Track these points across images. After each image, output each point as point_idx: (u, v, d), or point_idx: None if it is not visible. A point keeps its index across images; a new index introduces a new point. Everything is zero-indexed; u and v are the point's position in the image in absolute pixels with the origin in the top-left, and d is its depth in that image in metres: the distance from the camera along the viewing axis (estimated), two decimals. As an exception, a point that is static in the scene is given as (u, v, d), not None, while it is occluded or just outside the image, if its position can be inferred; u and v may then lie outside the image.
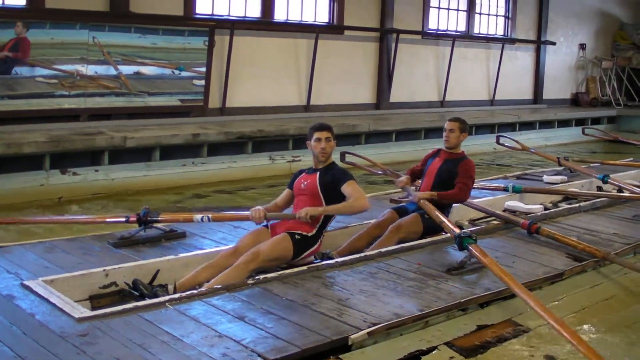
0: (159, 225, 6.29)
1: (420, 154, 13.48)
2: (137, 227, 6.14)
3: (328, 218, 5.79)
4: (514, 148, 11.63)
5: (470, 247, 5.53)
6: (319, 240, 5.77)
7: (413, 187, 7.14)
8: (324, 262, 5.67)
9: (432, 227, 6.43)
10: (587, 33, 21.25)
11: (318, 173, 5.85)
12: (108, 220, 6.48)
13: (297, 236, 5.59)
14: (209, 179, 11.09)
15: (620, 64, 21.79)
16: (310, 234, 5.66)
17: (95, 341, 4.04)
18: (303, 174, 5.98)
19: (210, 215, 5.95)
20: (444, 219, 6.18)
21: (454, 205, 7.62)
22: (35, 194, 9.56)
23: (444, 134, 7.01)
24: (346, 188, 5.70)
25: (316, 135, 5.87)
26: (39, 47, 10.52)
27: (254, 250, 5.42)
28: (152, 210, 6.18)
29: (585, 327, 4.96)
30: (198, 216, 5.93)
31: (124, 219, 6.16)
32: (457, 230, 5.83)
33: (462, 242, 5.60)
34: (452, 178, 6.73)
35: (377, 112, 15.30)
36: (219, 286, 5.01)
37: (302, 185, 5.86)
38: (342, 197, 5.73)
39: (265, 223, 5.72)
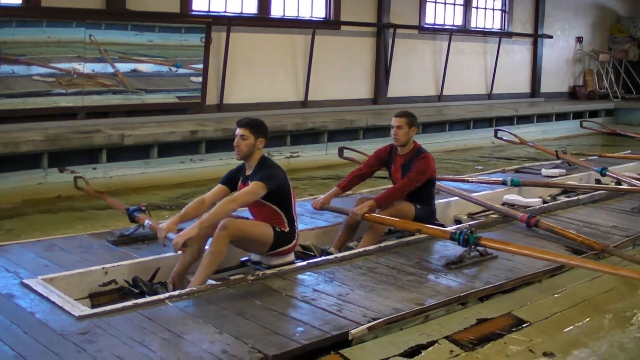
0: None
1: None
2: (135, 225, 6.14)
3: (290, 211, 5.48)
4: (512, 142, 11.63)
5: (481, 242, 5.55)
6: (295, 238, 5.53)
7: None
8: (323, 258, 5.68)
9: (423, 218, 6.39)
10: (584, 26, 21.25)
11: (249, 177, 5.44)
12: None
13: (277, 228, 5.38)
14: (207, 176, 11.05)
15: (617, 56, 21.79)
16: (286, 230, 5.43)
17: (95, 339, 4.04)
18: (240, 180, 5.53)
19: (150, 223, 5.81)
20: (402, 224, 6.14)
21: (451, 199, 7.64)
22: (34, 193, 9.56)
23: (392, 131, 6.56)
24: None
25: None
26: (36, 45, 10.50)
27: (234, 219, 5.26)
28: (149, 207, 6.21)
29: (585, 318, 4.97)
30: (147, 221, 5.86)
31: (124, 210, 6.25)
32: (449, 230, 5.86)
33: (468, 239, 5.59)
34: None
35: (375, 107, 15.30)
36: (218, 282, 5.01)
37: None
38: (281, 194, 5.41)
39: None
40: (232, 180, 5.58)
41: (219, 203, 5.23)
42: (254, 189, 5.25)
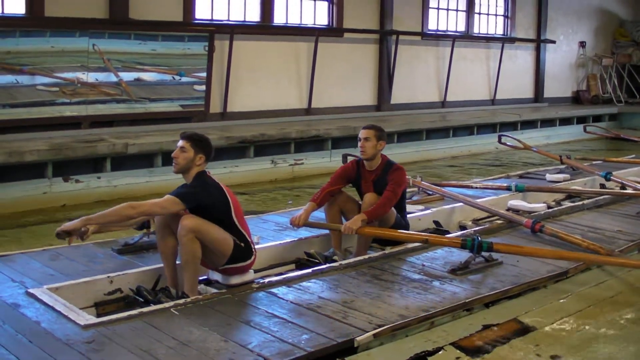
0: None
1: (422, 154, 13.45)
2: (139, 233, 6.15)
3: (236, 229, 5.18)
4: (516, 147, 11.63)
5: (495, 247, 5.55)
6: (253, 255, 5.24)
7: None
8: (328, 265, 5.68)
9: (399, 226, 6.29)
10: (586, 31, 21.26)
11: None
12: None
13: (236, 240, 5.13)
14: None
15: (620, 61, 21.78)
16: (242, 246, 5.16)
17: (101, 348, 4.04)
18: None
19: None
20: (404, 235, 6.14)
21: (456, 205, 7.64)
22: (38, 202, 9.57)
23: (359, 143, 6.29)
24: None
25: None
26: (40, 55, 10.53)
27: (195, 217, 5.05)
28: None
29: (591, 324, 4.95)
30: None
31: None
32: (458, 238, 5.85)
33: (481, 246, 5.59)
34: None
35: (379, 114, 15.31)
36: (222, 291, 5.01)
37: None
38: (215, 212, 5.12)
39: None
40: None
41: (120, 205, 4.96)
42: (163, 202, 5.03)
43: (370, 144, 6.25)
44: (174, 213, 5.07)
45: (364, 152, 6.28)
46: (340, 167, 6.64)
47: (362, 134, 6.30)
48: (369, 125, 6.43)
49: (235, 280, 5.20)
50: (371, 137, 6.25)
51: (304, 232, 6.63)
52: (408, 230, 6.40)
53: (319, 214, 6.45)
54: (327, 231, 6.59)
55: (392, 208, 6.21)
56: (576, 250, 6.14)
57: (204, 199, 5.09)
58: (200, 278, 5.33)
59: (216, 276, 5.33)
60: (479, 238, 5.69)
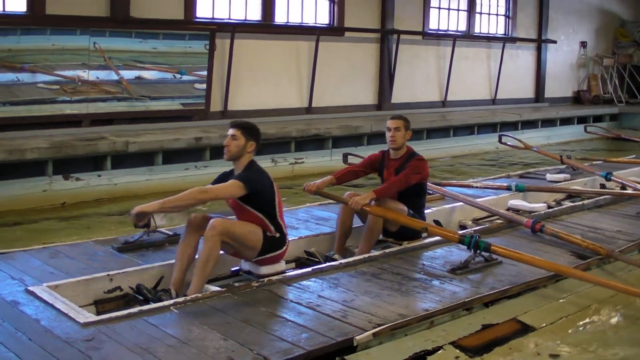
0: (162, 229, 6.28)
1: (423, 154, 13.44)
2: (140, 231, 6.14)
3: (276, 219, 5.39)
4: (517, 147, 11.62)
5: (491, 249, 5.56)
6: (285, 245, 5.46)
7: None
8: (328, 264, 5.68)
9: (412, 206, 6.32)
10: (587, 31, 21.25)
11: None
12: None
13: (267, 233, 5.33)
14: (213, 180, 11.07)
15: (621, 61, 21.78)
16: (276, 236, 5.38)
17: (100, 346, 4.04)
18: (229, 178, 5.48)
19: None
20: (405, 219, 6.12)
21: (456, 204, 7.64)
22: (39, 200, 9.58)
23: (388, 134, 6.47)
24: None
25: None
26: (40, 53, 10.53)
27: (224, 218, 5.22)
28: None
29: (591, 323, 4.96)
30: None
31: None
32: (457, 232, 5.85)
33: (478, 245, 5.60)
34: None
35: (379, 113, 15.29)
36: (223, 289, 5.01)
37: (227, 202, 5.51)
38: (264, 202, 5.36)
39: None
40: (221, 182, 5.50)
41: (191, 189, 5.16)
42: (230, 186, 5.22)
43: (400, 134, 6.46)
44: (235, 197, 5.26)
45: (395, 142, 6.47)
46: (370, 155, 6.86)
47: (391, 124, 6.49)
48: (397, 115, 6.67)
49: (267, 270, 5.39)
50: (401, 127, 6.48)
51: (305, 231, 6.65)
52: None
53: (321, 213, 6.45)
54: (328, 230, 6.66)
55: (404, 206, 6.23)
56: (576, 251, 6.15)
57: (261, 184, 5.33)
58: (233, 269, 5.61)
59: (248, 266, 5.50)
60: (478, 237, 5.68)
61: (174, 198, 5.10)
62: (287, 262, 5.97)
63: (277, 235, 5.38)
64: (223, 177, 5.58)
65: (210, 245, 5.07)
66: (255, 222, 5.33)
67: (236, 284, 5.26)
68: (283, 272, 5.47)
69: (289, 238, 5.61)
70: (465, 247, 5.72)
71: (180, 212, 5.47)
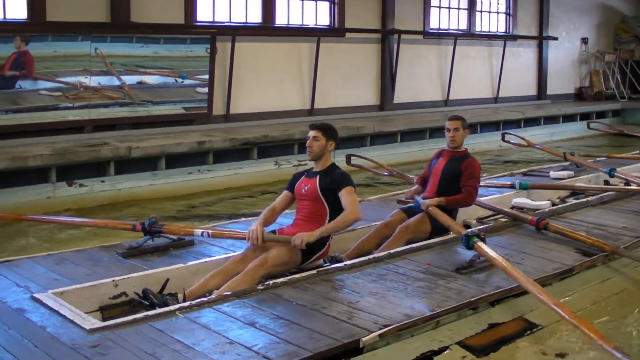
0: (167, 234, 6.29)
1: (426, 154, 13.48)
2: (144, 236, 6.15)
3: (336, 214, 5.70)
4: (520, 145, 11.62)
5: (475, 245, 5.55)
6: (327, 243, 5.73)
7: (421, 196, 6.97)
8: (333, 266, 5.67)
9: (439, 227, 6.41)
10: (588, 27, 21.23)
11: (318, 176, 5.78)
12: (116, 225, 6.76)
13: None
14: (216, 186, 11.09)
15: (623, 56, 21.76)
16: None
17: (106, 352, 4.04)
18: (303, 177, 5.92)
19: (210, 232, 6.10)
20: (451, 223, 6.25)
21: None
22: (43, 207, 9.58)
23: (448, 134, 6.86)
24: (343, 195, 5.64)
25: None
26: (42, 60, 10.54)
27: (263, 257, 5.40)
28: (159, 219, 6.23)
29: (597, 321, 4.95)
30: (198, 231, 6.13)
31: (130, 227, 6.28)
32: (464, 230, 5.85)
33: (468, 240, 5.61)
34: (456, 177, 6.64)
35: (382, 114, 15.31)
36: (228, 293, 5.01)
37: (304, 190, 5.80)
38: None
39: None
40: (292, 186, 5.93)
41: (341, 217, 5.57)
42: (354, 194, 5.68)
43: (459, 134, 6.81)
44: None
45: (454, 141, 6.83)
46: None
47: (450, 124, 6.85)
48: (455, 116, 7.00)
49: (308, 265, 5.65)
50: (460, 127, 6.82)
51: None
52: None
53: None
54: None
55: (428, 220, 6.47)
56: (581, 247, 6.14)
57: None
58: None
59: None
60: (470, 233, 5.67)
61: (331, 227, 5.60)
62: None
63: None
64: (294, 179, 5.98)
65: (250, 278, 5.28)
66: (318, 212, 5.72)
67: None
68: (320, 266, 5.68)
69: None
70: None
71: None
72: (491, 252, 5.39)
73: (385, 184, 11.20)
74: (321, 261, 5.78)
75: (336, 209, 5.67)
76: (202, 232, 6.09)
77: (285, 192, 5.97)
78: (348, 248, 6.32)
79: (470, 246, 5.60)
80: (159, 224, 6.18)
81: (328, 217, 5.69)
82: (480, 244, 5.54)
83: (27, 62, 10.39)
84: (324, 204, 5.71)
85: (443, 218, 6.31)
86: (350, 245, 6.37)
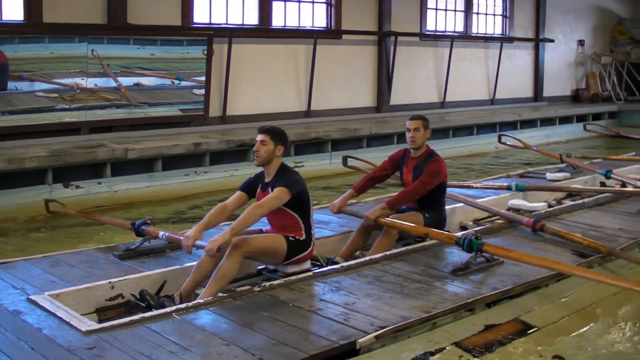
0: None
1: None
2: (140, 239, 6.15)
3: (308, 219, 5.55)
4: (516, 146, 11.63)
5: (485, 246, 5.55)
6: (311, 246, 5.60)
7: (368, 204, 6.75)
8: (329, 267, 5.68)
9: (432, 226, 6.38)
10: (585, 29, 21.26)
11: (269, 189, 5.51)
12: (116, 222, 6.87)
13: (290, 238, 5.46)
14: (212, 188, 11.08)
15: (619, 59, 21.77)
16: (301, 239, 5.51)
17: (103, 354, 4.04)
18: (259, 189, 5.65)
19: (167, 234, 5.91)
20: (411, 228, 6.23)
21: (457, 205, 7.64)
22: (39, 209, 9.50)
23: (408, 134, 6.61)
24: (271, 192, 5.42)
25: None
26: (38, 61, 10.53)
27: (245, 237, 5.32)
28: (154, 221, 6.25)
29: (594, 322, 4.95)
30: (162, 233, 5.96)
31: (129, 226, 6.34)
32: (455, 235, 5.87)
33: (471, 244, 5.59)
34: None
35: (378, 115, 15.31)
36: (224, 294, 5.01)
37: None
38: (302, 201, 5.50)
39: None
40: (250, 187, 5.74)
41: (248, 209, 5.29)
42: (280, 194, 5.35)
43: (419, 134, 6.61)
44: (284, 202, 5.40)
45: (414, 142, 6.61)
46: (390, 155, 7.00)
47: (411, 124, 6.63)
48: (416, 116, 6.82)
49: (293, 269, 5.53)
50: (420, 127, 6.62)
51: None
52: (444, 224, 6.66)
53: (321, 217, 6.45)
54: (329, 234, 6.73)
55: (419, 215, 6.41)
56: (577, 249, 6.15)
57: (301, 185, 5.49)
58: (259, 267, 5.73)
59: (273, 266, 5.65)
60: (471, 237, 5.67)
61: (239, 223, 5.20)
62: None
63: (303, 237, 5.50)
64: (252, 182, 5.78)
65: (231, 263, 5.17)
66: (290, 223, 5.50)
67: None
68: (308, 269, 5.58)
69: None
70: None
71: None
72: (503, 250, 5.49)
73: (381, 185, 11.18)
74: (308, 264, 5.66)
75: (305, 211, 5.53)
76: (162, 234, 5.94)
77: (240, 193, 5.71)
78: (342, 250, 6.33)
79: (474, 250, 5.59)
80: (147, 224, 6.15)
81: (302, 224, 5.51)
82: (488, 245, 5.58)
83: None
84: (289, 213, 5.49)
85: (398, 224, 6.22)
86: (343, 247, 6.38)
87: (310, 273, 5.50)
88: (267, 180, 5.62)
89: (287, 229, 5.49)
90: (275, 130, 5.70)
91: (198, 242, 5.25)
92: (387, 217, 6.30)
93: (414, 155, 6.68)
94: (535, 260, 5.45)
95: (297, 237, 5.49)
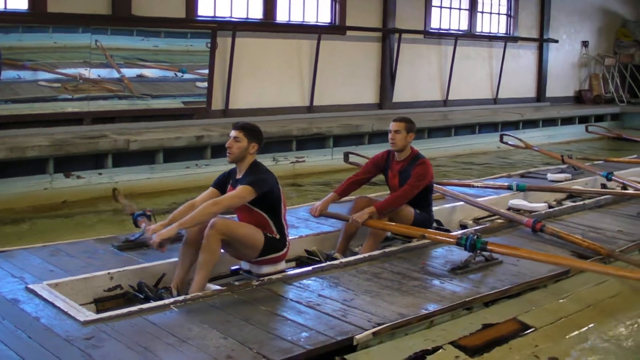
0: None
1: (424, 153, 13.44)
2: (140, 230, 6.15)
3: (280, 219, 5.42)
4: (518, 146, 11.63)
5: (489, 245, 5.56)
6: (286, 246, 5.48)
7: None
8: (328, 263, 5.67)
9: (421, 224, 6.37)
10: (589, 30, 21.24)
11: (240, 181, 5.39)
12: None
13: (267, 234, 5.34)
14: (213, 181, 11.05)
15: (623, 61, 21.76)
16: (277, 237, 5.39)
17: (100, 344, 4.04)
18: (229, 186, 5.52)
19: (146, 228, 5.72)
20: (403, 228, 6.17)
21: (457, 204, 7.64)
22: (39, 198, 9.58)
23: (390, 135, 6.48)
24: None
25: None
26: (42, 51, 10.53)
27: (224, 218, 5.24)
28: (155, 213, 6.25)
29: (591, 323, 4.95)
30: (143, 225, 5.88)
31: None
32: (455, 235, 5.87)
33: (475, 244, 5.59)
34: None
35: (380, 112, 15.30)
36: (223, 288, 5.02)
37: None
38: (271, 200, 5.35)
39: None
40: (222, 184, 5.59)
41: (203, 205, 5.18)
42: (241, 192, 5.22)
43: (400, 136, 6.44)
44: (247, 202, 5.25)
45: (394, 144, 6.47)
46: (372, 157, 6.87)
47: (392, 126, 6.48)
48: (400, 117, 6.64)
49: (267, 269, 5.40)
50: (401, 129, 6.45)
51: (305, 230, 6.65)
52: (432, 224, 6.57)
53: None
54: (328, 229, 6.69)
55: (411, 208, 6.31)
56: (577, 250, 6.15)
57: (269, 185, 5.32)
58: (233, 268, 5.60)
59: (248, 266, 5.50)
60: (474, 236, 5.67)
61: (189, 218, 5.09)
62: (288, 261, 5.97)
63: (278, 236, 5.39)
64: (224, 178, 5.61)
65: (211, 244, 5.09)
66: (259, 222, 5.36)
67: (236, 283, 5.27)
68: (283, 271, 5.47)
69: (290, 237, 5.62)
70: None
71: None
72: (508, 248, 5.51)
73: (382, 182, 11.17)
74: (283, 265, 5.54)
75: (274, 211, 5.39)
76: (143, 226, 5.85)
77: (212, 189, 5.60)
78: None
79: (480, 248, 5.59)
80: (147, 216, 6.13)
81: (272, 224, 5.38)
82: (493, 242, 5.57)
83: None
84: (258, 212, 5.36)
85: (392, 227, 6.18)
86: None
87: (309, 268, 5.51)
88: (238, 177, 5.47)
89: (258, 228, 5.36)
90: (249, 126, 5.52)
91: (153, 235, 5.14)
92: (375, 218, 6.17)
93: (399, 159, 6.54)
94: (538, 256, 5.46)
95: (273, 236, 5.37)
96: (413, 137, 6.54)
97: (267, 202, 5.33)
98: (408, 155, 6.52)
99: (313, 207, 6.53)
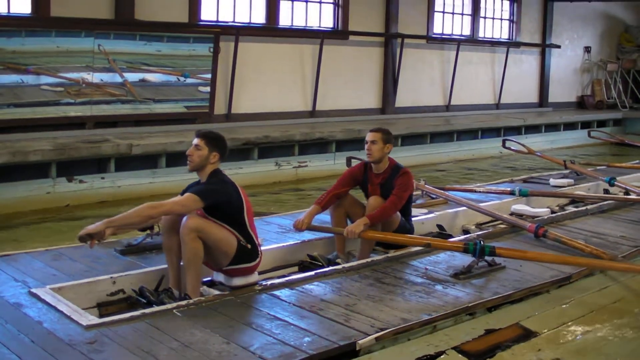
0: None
1: (427, 158, 13.40)
2: (143, 234, 6.15)
3: (246, 230, 5.20)
4: (520, 151, 11.62)
5: (497, 250, 5.57)
6: (258, 257, 5.26)
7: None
8: (331, 268, 5.67)
9: (406, 231, 6.31)
10: (592, 36, 21.25)
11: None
12: None
13: (241, 242, 5.14)
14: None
15: (625, 66, 21.77)
16: (249, 247, 5.18)
17: (103, 348, 4.04)
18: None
19: None
20: (406, 238, 6.13)
21: (459, 209, 7.64)
22: (42, 202, 9.58)
23: (365, 146, 6.29)
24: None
25: None
26: (45, 55, 10.55)
27: (198, 217, 5.07)
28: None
29: (594, 329, 4.95)
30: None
31: None
32: (460, 242, 5.85)
33: (483, 250, 5.58)
34: None
35: (383, 117, 15.31)
36: (225, 293, 5.01)
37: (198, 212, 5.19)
38: (229, 211, 5.15)
39: None
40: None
41: (140, 205, 4.91)
42: (184, 200, 5.01)
43: (376, 147, 6.24)
44: (191, 211, 5.04)
45: (370, 155, 6.26)
46: (348, 169, 6.64)
47: (368, 136, 6.28)
48: (376, 128, 6.41)
49: (239, 281, 5.21)
50: (378, 140, 6.24)
51: (307, 235, 6.62)
52: (412, 233, 6.41)
53: (324, 217, 6.45)
54: (330, 234, 6.58)
55: (397, 212, 6.22)
56: (579, 256, 6.14)
57: (222, 196, 5.09)
58: (204, 279, 5.36)
59: (220, 277, 5.33)
60: (482, 242, 5.68)
61: (120, 217, 4.87)
62: (290, 265, 5.98)
63: (249, 246, 5.20)
64: (191, 188, 5.33)
65: (189, 245, 4.95)
66: None
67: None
68: (256, 283, 5.24)
69: (292, 242, 5.61)
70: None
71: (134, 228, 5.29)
72: (518, 251, 5.52)
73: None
74: (255, 276, 5.29)
75: (237, 222, 5.16)
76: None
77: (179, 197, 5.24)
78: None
79: (488, 253, 5.58)
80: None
81: (238, 235, 5.14)
82: (501, 247, 5.58)
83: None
84: (218, 223, 5.12)
85: (390, 239, 6.09)
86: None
87: (312, 273, 5.50)
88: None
89: None
90: (212, 135, 5.27)
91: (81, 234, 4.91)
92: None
93: (377, 171, 6.34)
94: (549, 257, 5.48)
95: (244, 244, 5.17)
96: (391, 148, 6.32)
97: (224, 212, 5.11)
98: (387, 166, 6.34)
99: (298, 221, 6.15)
